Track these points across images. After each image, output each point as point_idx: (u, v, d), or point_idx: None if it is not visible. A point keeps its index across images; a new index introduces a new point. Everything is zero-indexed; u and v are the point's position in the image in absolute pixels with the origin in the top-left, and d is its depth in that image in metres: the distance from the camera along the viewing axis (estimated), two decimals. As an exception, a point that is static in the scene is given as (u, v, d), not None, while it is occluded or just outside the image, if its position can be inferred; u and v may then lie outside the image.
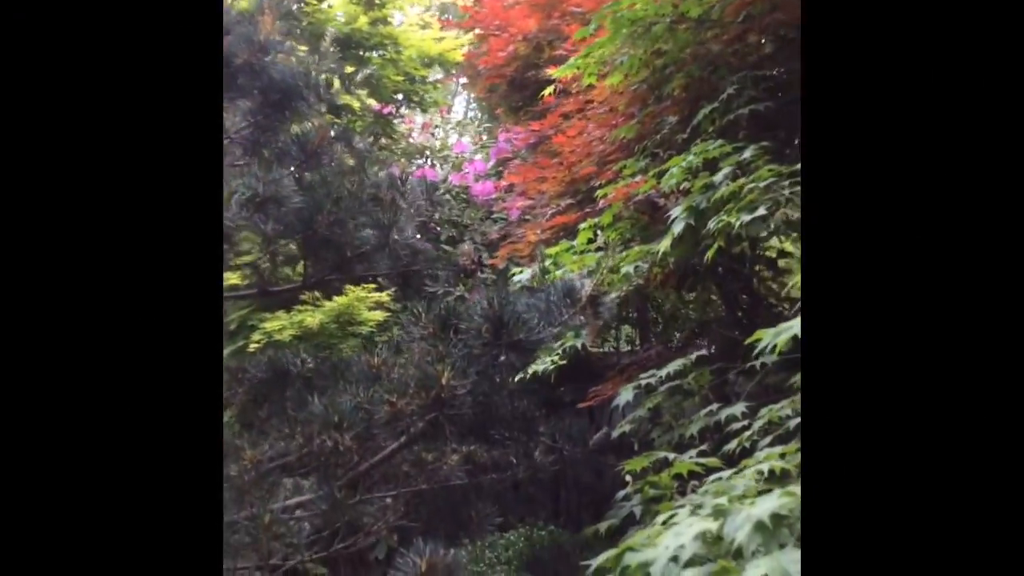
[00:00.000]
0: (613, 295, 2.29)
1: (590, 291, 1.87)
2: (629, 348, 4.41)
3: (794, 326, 1.44)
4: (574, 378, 3.29)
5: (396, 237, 2.28)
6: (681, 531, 1.39)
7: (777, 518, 1.33)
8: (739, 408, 2.37)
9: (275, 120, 2.40)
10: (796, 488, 1.43)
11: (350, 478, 1.98)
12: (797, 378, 2.32)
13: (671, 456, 2.15)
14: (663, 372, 2.56)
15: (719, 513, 1.42)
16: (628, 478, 2.22)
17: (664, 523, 1.58)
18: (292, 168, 2.24)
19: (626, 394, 2.58)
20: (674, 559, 1.46)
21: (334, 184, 2.20)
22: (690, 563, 1.43)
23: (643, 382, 2.57)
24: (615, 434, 2.66)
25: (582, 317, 2.00)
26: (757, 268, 3.17)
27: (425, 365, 1.83)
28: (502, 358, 1.94)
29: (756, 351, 1.75)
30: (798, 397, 2.24)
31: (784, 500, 1.35)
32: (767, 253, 3.26)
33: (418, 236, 2.41)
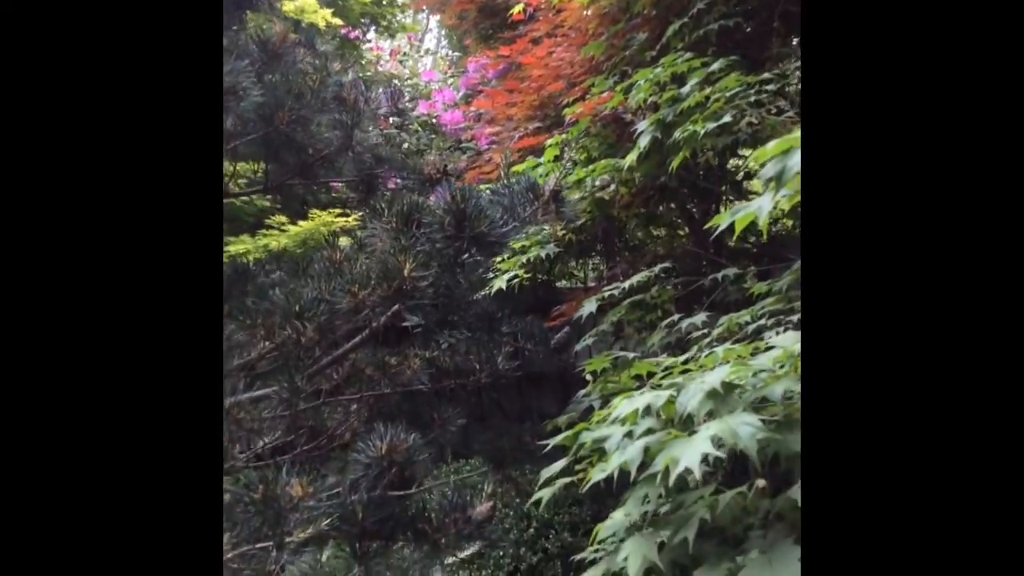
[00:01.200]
0: (577, 196, 2.29)
1: (553, 186, 1.87)
2: (596, 282, 4.42)
3: (751, 206, 1.45)
4: (540, 308, 3.31)
5: (359, 140, 2.25)
6: (635, 400, 1.42)
7: (729, 386, 1.36)
8: (699, 317, 2.40)
9: (234, 19, 2.33)
10: (749, 361, 1.46)
11: (312, 374, 1.98)
12: (755, 287, 2.36)
13: (631, 355, 2.18)
14: (626, 284, 2.58)
15: (672, 387, 1.45)
16: (588, 377, 2.25)
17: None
18: (252, 66, 2.19)
19: (589, 306, 2.60)
20: (628, 435, 1.49)
21: (295, 82, 2.15)
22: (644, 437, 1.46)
23: (606, 294, 2.59)
24: (579, 347, 2.69)
25: (545, 216, 2.00)
26: (724, 188, 3.18)
27: (387, 257, 1.82)
28: (465, 256, 1.94)
29: (713, 235, 1.77)
30: (756, 306, 2.28)
31: (735, 368, 1.37)
32: (736, 176, 3.27)
33: (382, 141, 2.38)
